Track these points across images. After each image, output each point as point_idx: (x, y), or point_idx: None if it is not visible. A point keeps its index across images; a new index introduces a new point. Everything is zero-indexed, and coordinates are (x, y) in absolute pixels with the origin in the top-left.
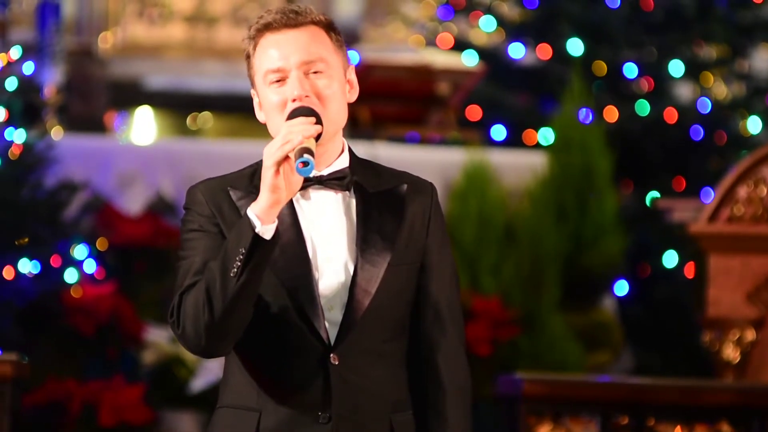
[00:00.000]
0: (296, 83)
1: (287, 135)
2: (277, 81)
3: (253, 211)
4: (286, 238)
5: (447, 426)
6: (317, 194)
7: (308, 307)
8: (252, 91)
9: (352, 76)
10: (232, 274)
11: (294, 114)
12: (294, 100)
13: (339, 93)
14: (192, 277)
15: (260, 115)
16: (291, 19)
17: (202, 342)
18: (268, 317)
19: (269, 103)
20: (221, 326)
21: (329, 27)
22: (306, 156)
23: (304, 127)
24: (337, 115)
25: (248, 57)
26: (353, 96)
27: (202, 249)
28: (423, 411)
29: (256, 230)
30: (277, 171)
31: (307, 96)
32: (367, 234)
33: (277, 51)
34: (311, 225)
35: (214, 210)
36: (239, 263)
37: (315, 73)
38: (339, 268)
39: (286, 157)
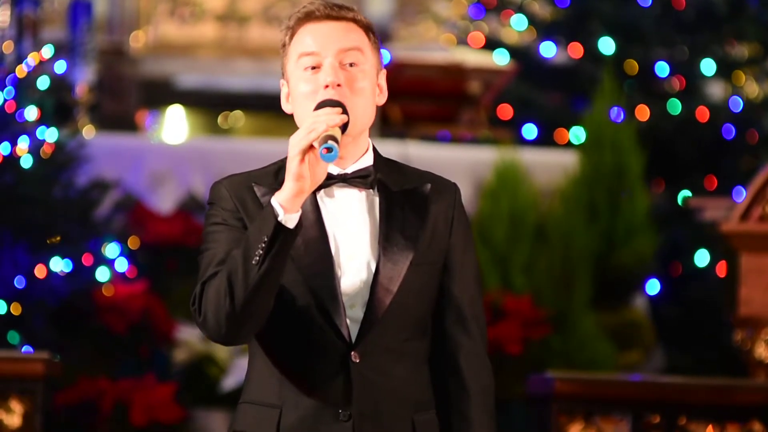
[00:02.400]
0: (330, 70)
1: (312, 124)
2: (312, 68)
3: (277, 200)
4: (310, 235)
5: (472, 428)
6: (341, 192)
7: (330, 305)
8: (281, 81)
9: (383, 81)
10: (254, 262)
11: (320, 106)
12: (326, 87)
13: (369, 91)
14: (215, 266)
15: (287, 107)
16: (333, 11)
17: (222, 330)
18: (291, 314)
19: (299, 93)
20: (242, 314)
21: (368, 28)
22: (330, 142)
23: (330, 116)
24: (362, 112)
25: (284, 45)
26: (382, 100)
27: (224, 241)
28: (446, 411)
29: (279, 218)
30: (302, 159)
31: (339, 85)
32: (390, 232)
33: (315, 38)
34: (335, 222)
35: (238, 205)
36: (261, 251)
37: (351, 65)
38: (361, 266)
39: (311, 147)
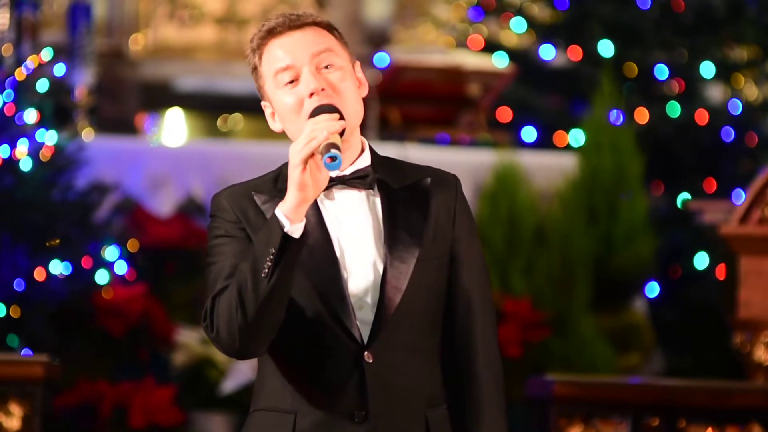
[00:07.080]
0: (310, 78)
1: (312, 132)
2: (290, 82)
3: (281, 211)
4: (313, 239)
5: (484, 414)
6: (341, 194)
7: (339, 307)
8: (263, 104)
9: (360, 74)
10: (263, 275)
11: (316, 112)
12: (311, 95)
13: (352, 86)
14: (223, 281)
15: (275, 125)
16: (293, 21)
17: (236, 344)
18: (300, 319)
19: (284, 107)
20: (254, 327)
21: (330, 27)
22: (333, 151)
23: (329, 123)
24: (352, 111)
25: (255, 68)
26: (364, 92)
27: (230, 254)
28: (459, 399)
29: (285, 229)
30: (304, 169)
31: (323, 89)
32: (394, 231)
33: (285, 51)
34: (337, 225)
35: (240, 215)
36: (270, 263)
37: (326, 68)
38: (367, 266)
39: (312, 155)
